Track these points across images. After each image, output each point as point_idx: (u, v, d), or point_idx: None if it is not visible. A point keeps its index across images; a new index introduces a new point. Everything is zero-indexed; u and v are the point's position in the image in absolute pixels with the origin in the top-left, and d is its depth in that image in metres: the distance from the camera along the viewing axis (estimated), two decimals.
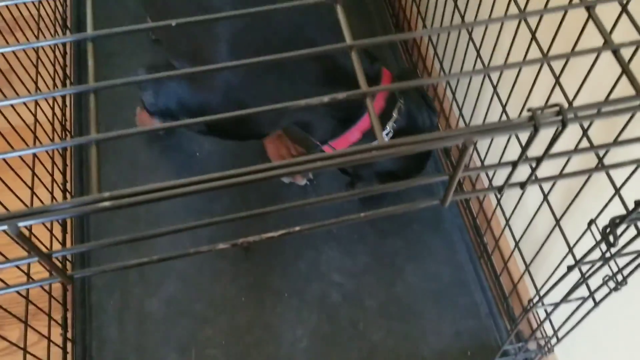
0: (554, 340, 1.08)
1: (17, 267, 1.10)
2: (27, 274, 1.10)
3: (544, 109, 0.38)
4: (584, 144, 0.87)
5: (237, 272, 1.34)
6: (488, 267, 1.32)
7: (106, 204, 0.34)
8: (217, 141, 1.51)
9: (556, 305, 0.91)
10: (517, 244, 1.13)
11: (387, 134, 1.11)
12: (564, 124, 0.38)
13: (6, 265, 0.37)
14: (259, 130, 1.20)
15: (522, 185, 0.45)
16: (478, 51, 1.10)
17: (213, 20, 0.40)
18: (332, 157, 0.38)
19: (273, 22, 1.00)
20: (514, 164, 0.42)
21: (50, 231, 1.21)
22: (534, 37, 0.90)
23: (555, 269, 1.00)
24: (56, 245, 1.26)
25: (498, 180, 1.26)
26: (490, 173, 1.22)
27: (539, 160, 0.43)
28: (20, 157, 1.21)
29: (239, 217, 0.45)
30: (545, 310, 1.03)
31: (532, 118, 0.38)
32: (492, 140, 1.22)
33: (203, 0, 1.04)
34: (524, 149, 0.40)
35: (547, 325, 1.12)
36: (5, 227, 0.34)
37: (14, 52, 1.33)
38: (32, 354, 1.04)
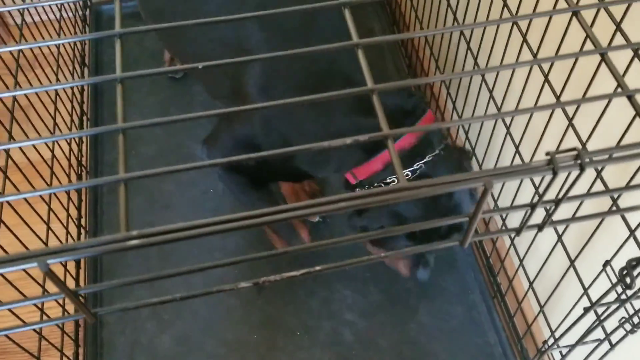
0: None
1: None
2: (42, 310, 1.10)
3: (561, 153, 0.39)
4: (598, 184, 0.87)
5: (249, 310, 1.34)
6: (501, 307, 1.31)
7: (135, 242, 0.35)
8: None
9: (572, 347, 0.90)
10: (531, 284, 1.13)
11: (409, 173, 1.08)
12: (581, 168, 0.39)
13: (33, 301, 0.38)
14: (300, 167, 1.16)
15: (540, 228, 0.46)
16: (491, 92, 1.11)
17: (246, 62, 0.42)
18: (352, 199, 0.38)
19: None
20: (532, 207, 0.43)
21: (65, 267, 1.22)
22: (546, 80, 0.91)
23: (570, 311, 0.99)
24: (69, 281, 1.26)
25: (512, 221, 1.26)
26: (504, 214, 1.22)
27: (557, 203, 0.43)
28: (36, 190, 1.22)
29: (261, 257, 0.46)
30: (561, 352, 1.02)
31: (550, 162, 0.39)
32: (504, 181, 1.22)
33: (241, 41, 1.06)
34: (543, 192, 0.41)
35: None
36: (34, 265, 0.35)
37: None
38: None
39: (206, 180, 1.54)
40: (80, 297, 0.39)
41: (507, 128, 1.08)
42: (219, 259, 1.40)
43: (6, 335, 0.92)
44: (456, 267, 1.40)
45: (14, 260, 0.34)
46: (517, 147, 1.06)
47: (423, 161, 1.05)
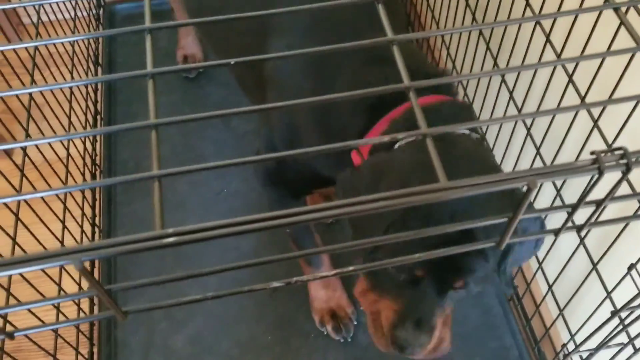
0: None
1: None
2: (58, 308, 1.10)
3: (607, 152, 0.38)
4: (624, 185, 0.86)
5: (263, 311, 1.33)
6: (518, 310, 1.30)
7: (171, 239, 0.34)
8: (245, 178, 1.52)
9: (594, 351, 0.89)
10: (550, 287, 1.12)
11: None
12: (628, 168, 0.38)
13: (65, 299, 0.37)
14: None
15: (579, 229, 0.45)
16: (511, 93, 1.10)
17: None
18: (377, 200, 0.37)
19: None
20: (574, 208, 0.42)
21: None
22: (571, 81, 0.90)
23: (592, 314, 0.97)
24: (84, 280, 1.26)
25: None
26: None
27: (598, 203, 0.42)
28: (52, 187, 1.22)
29: (285, 258, 0.45)
30: (581, 357, 1.01)
31: (595, 161, 0.38)
32: None
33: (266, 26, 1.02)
34: (585, 192, 0.40)
35: None
36: (69, 262, 0.34)
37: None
38: None
39: (219, 181, 1.53)
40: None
41: (528, 129, 1.06)
42: (233, 258, 1.41)
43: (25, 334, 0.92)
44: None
45: (49, 258, 0.33)
46: (538, 149, 1.05)
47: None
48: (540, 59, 1.00)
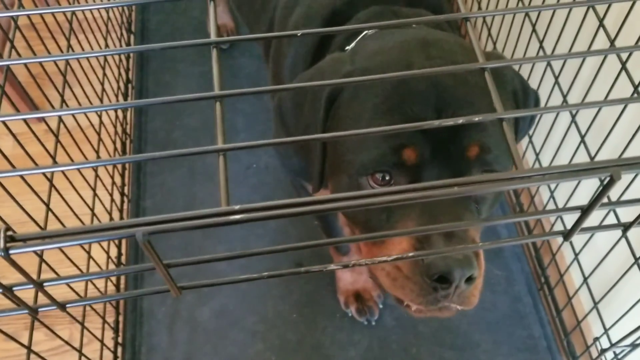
0: None
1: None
2: (88, 279, 1.09)
3: None
4: None
5: (289, 289, 1.32)
6: (548, 300, 1.28)
7: (237, 217, 0.33)
8: (273, 154, 1.51)
9: (632, 348, 0.87)
10: (585, 279, 1.09)
11: None
12: None
13: (121, 272, 0.36)
14: None
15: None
16: (557, 79, 1.07)
17: None
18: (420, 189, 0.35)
19: None
20: None
21: (109, 244, 1.22)
22: (624, 68, 0.87)
23: (631, 308, 0.95)
24: (102, 257, 1.26)
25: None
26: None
27: None
28: (85, 157, 1.22)
29: (324, 244, 0.43)
30: (614, 352, 0.99)
31: None
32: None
33: None
34: None
35: None
36: (132, 235, 0.33)
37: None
38: (86, 357, 1.03)
39: (250, 156, 1.52)
40: (168, 271, 0.37)
41: (573, 117, 1.03)
42: (260, 234, 1.39)
43: (55, 301, 0.92)
44: (502, 257, 1.36)
45: (111, 230, 0.32)
46: (582, 138, 1.02)
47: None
48: (590, 46, 0.97)
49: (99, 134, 1.31)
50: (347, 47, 0.79)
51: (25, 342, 0.88)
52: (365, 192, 0.36)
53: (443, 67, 0.44)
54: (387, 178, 0.63)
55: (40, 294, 0.95)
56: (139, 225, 0.32)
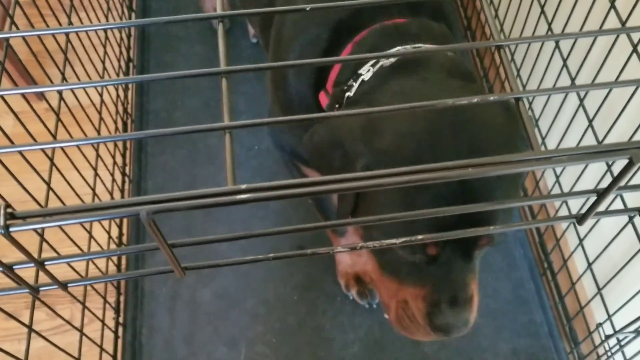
0: None
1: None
2: (89, 259, 1.09)
3: None
4: None
5: (290, 272, 1.32)
6: (551, 286, 1.27)
7: (244, 196, 0.32)
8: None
9: (637, 333, 0.87)
10: (590, 265, 1.08)
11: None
12: None
13: (125, 252, 0.35)
14: None
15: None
16: (565, 61, 1.05)
17: None
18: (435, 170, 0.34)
19: None
20: None
21: (110, 224, 1.21)
22: (635, 51, 0.85)
23: (636, 294, 0.94)
24: (103, 237, 1.26)
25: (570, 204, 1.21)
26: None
27: None
28: (86, 135, 1.20)
29: (324, 226, 0.42)
30: (617, 338, 0.99)
31: None
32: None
33: None
34: None
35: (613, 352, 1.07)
36: (135, 214, 0.32)
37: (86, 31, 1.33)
38: (87, 336, 1.03)
39: (251, 138, 1.51)
40: (172, 251, 0.37)
41: (581, 100, 1.02)
42: (262, 216, 1.38)
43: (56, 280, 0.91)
44: (505, 243, 1.35)
45: (114, 208, 0.31)
46: (590, 122, 1.00)
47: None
48: (602, 26, 0.95)
49: (100, 112, 1.30)
50: (361, 75, 0.77)
51: (26, 321, 0.87)
52: (374, 173, 0.35)
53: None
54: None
55: (41, 274, 0.95)
56: (144, 204, 0.31)
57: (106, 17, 1.50)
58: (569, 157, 0.34)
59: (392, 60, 0.75)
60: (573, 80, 1.03)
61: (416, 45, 0.78)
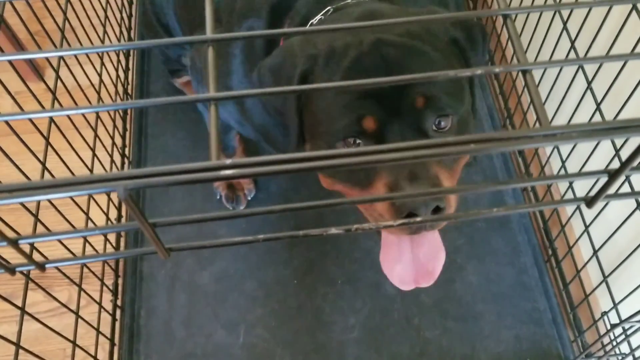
0: (629, 359, 1.01)
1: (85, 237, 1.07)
2: (86, 239, 1.07)
3: None
4: None
5: (290, 255, 1.30)
6: (554, 273, 1.25)
7: (229, 172, 0.30)
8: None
9: None
10: (595, 252, 1.06)
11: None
12: None
13: (108, 230, 0.33)
14: None
15: None
16: (572, 42, 1.03)
17: None
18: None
19: None
20: None
21: (109, 198, 1.19)
22: None
23: None
24: (102, 220, 1.24)
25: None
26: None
27: None
28: (85, 117, 1.18)
29: (320, 206, 0.40)
30: (623, 327, 0.97)
31: None
32: None
33: None
34: None
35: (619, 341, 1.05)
36: (113, 189, 0.30)
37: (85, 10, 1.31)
38: (84, 319, 1.01)
39: None
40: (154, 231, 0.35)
41: (589, 83, 0.99)
42: (263, 196, 1.36)
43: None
44: (509, 229, 1.33)
45: (93, 183, 0.29)
46: (598, 105, 0.98)
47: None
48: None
49: (99, 93, 1.28)
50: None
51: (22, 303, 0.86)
52: (366, 149, 0.33)
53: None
54: (357, 142, 0.72)
55: (35, 253, 0.93)
56: (122, 179, 0.29)
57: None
58: (580, 133, 0.32)
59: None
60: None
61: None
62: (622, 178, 0.78)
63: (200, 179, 0.30)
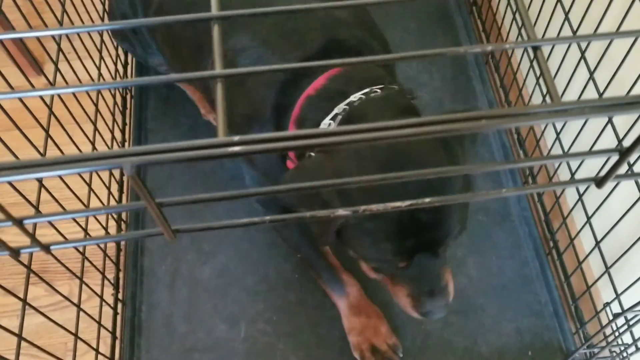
0: (632, 349, 1.01)
1: (74, 220, 1.07)
2: (85, 229, 1.07)
3: None
4: None
5: (291, 250, 1.30)
6: (556, 265, 1.25)
7: (237, 148, 0.29)
8: None
9: None
10: (597, 243, 1.06)
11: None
12: None
13: (113, 210, 0.33)
14: None
15: None
16: (567, 15, 1.02)
17: None
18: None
19: None
20: None
21: (110, 178, 1.19)
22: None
23: None
24: (110, 197, 1.23)
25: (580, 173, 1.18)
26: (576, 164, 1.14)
27: None
28: (85, 111, 1.18)
29: (326, 185, 0.40)
30: (626, 318, 0.96)
31: None
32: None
33: None
34: None
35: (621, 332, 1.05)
36: (117, 166, 0.29)
37: None
38: (85, 312, 1.01)
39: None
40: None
41: (582, 52, 0.99)
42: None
43: (52, 255, 0.89)
44: (510, 222, 1.33)
45: (98, 159, 0.29)
46: (591, 74, 0.98)
47: (346, 101, 0.86)
48: None
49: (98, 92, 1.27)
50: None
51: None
52: (364, 126, 0.32)
53: None
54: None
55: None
56: (129, 155, 0.29)
57: None
58: (592, 108, 0.31)
59: (343, 113, 0.87)
60: (574, 32, 1.00)
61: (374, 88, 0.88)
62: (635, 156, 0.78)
63: (207, 156, 0.29)
